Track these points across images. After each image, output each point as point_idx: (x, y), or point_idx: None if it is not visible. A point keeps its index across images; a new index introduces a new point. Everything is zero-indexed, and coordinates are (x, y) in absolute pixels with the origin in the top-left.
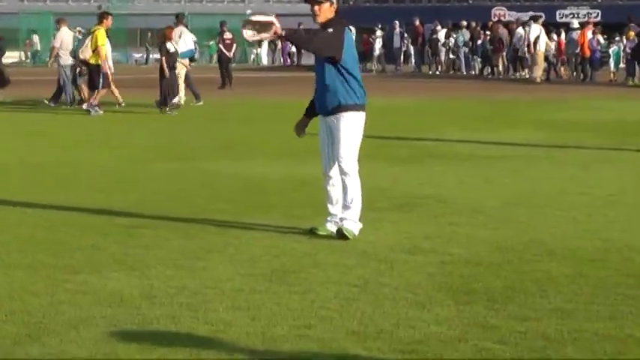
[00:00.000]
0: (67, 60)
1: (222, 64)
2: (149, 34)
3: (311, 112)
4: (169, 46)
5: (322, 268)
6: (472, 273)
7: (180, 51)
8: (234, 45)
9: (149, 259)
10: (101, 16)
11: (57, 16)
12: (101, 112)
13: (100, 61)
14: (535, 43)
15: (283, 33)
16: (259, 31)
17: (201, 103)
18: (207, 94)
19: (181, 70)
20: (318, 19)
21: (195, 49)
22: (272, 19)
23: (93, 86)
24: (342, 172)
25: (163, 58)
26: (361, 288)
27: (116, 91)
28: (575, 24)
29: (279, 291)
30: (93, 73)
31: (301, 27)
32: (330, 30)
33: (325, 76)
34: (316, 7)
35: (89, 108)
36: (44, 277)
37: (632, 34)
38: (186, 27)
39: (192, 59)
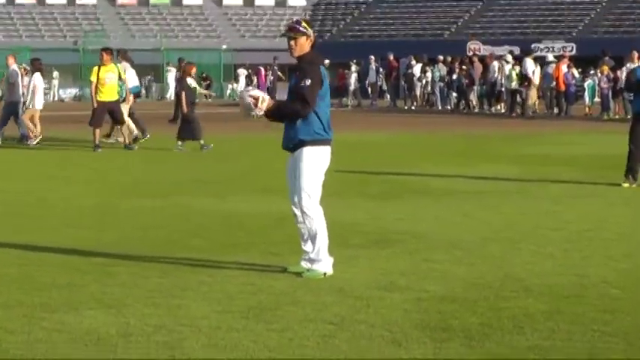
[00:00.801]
0: (11, 97)
1: (177, 99)
2: (152, 72)
3: None
4: (190, 81)
5: (299, 306)
6: (449, 310)
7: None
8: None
9: (126, 297)
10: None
11: (34, 52)
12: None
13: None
14: (530, 78)
15: (270, 112)
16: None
17: (148, 136)
18: (175, 129)
19: (126, 106)
20: (295, 53)
21: (140, 85)
22: (264, 95)
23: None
24: (302, 210)
25: (183, 94)
26: (338, 325)
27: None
28: (551, 57)
29: (256, 329)
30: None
31: (276, 62)
32: (308, 82)
33: None
34: (292, 42)
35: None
36: (20, 316)
37: (605, 68)
38: (131, 63)
39: (137, 95)
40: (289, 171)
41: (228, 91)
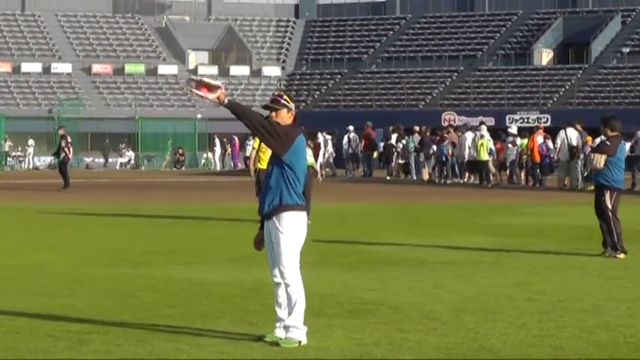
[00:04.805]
0: None
1: (65, 166)
2: (107, 140)
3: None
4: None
5: None
6: None
7: None
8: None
9: None
10: None
11: (9, 120)
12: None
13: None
14: (577, 147)
15: (226, 100)
16: (207, 90)
17: None
18: (157, 198)
19: None
20: None
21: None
22: (220, 84)
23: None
24: (284, 278)
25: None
26: None
27: None
28: (514, 130)
29: None
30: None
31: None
32: (281, 125)
33: (271, 177)
34: (273, 114)
35: None
36: None
37: (589, 138)
38: None
39: None
40: (268, 240)
41: (203, 160)
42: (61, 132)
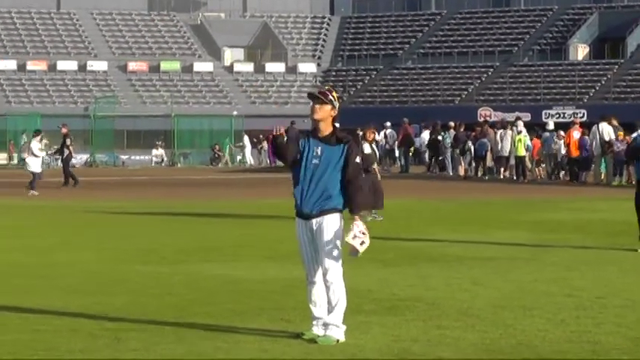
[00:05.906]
0: None
1: (67, 164)
2: (162, 136)
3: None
4: (366, 147)
5: None
6: None
7: None
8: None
9: None
10: None
11: (44, 118)
12: None
13: None
14: (610, 142)
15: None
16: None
17: None
18: (193, 196)
19: None
20: (316, 116)
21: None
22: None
23: None
24: (327, 278)
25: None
26: None
27: None
28: (551, 126)
29: None
30: None
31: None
32: (358, 160)
33: (322, 180)
34: (317, 106)
35: None
36: None
37: (621, 134)
38: None
39: None
40: (307, 239)
41: (239, 157)
42: (64, 130)
